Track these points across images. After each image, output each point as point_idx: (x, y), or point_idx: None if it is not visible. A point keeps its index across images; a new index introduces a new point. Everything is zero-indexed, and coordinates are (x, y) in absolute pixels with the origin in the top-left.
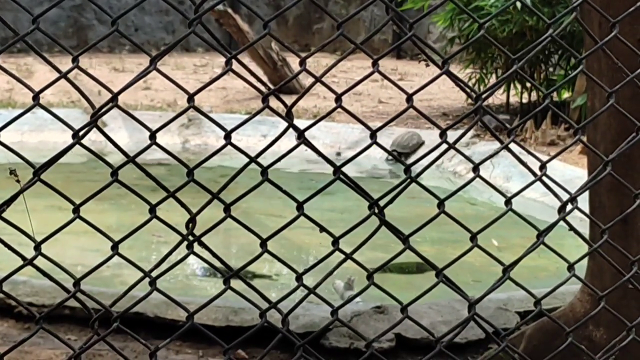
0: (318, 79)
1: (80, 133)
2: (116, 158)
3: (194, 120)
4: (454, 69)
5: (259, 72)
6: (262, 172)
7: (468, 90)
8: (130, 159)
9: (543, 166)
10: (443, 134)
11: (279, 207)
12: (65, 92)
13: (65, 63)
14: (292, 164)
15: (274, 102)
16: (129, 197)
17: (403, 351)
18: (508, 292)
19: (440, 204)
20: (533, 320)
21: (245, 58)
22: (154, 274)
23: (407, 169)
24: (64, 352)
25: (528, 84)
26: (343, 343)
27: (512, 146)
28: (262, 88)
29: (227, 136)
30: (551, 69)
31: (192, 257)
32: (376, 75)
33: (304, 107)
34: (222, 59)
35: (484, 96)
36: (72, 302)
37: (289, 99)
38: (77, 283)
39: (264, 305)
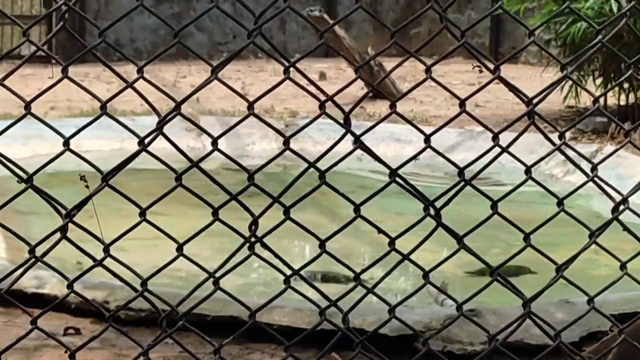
0: (374, 87)
1: (146, 140)
2: (212, 165)
3: (290, 125)
4: (551, 72)
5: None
6: (320, 176)
7: (521, 96)
8: (194, 164)
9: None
10: (495, 137)
11: (376, 212)
12: (164, 99)
13: (165, 70)
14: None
15: (371, 107)
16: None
17: (497, 354)
18: (603, 295)
19: (494, 205)
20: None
21: (343, 64)
22: (218, 274)
23: (461, 172)
24: (160, 355)
25: (626, 85)
26: (436, 346)
27: (613, 147)
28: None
29: (286, 142)
30: None
31: (293, 257)
32: (473, 79)
33: (400, 112)
34: (319, 64)
35: (535, 101)
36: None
37: (386, 105)
38: (144, 283)
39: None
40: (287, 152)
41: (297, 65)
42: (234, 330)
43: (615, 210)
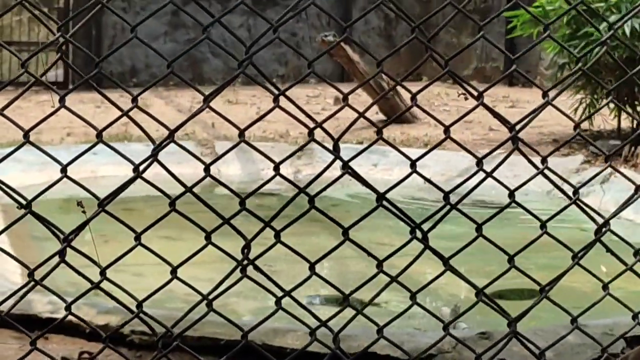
0: (361, 115)
1: (141, 167)
2: (225, 189)
3: (305, 150)
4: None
5: (370, 102)
6: (309, 201)
7: (504, 122)
8: (188, 189)
9: (638, 189)
10: (479, 162)
11: (389, 235)
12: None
13: (180, 96)
14: (406, 192)
15: (385, 131)
16: (248, 224)
17: None
18: (614, 317)
19: (479, 228)
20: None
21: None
22: (211, 296)
23: (446, 196)
24: None
25: None
26: None
27: (627, 171)
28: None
29: (276, 168)
30: None
31: (307, 287)
32: (487, 102)
33: (414, 136)
34: (334, 91)
35: (517, 127)
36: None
37: (400, 129)
38: (139, 305)
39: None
40: (302, 176)
41: (314, 89)
42: (247, 354)
43: (598, 232)
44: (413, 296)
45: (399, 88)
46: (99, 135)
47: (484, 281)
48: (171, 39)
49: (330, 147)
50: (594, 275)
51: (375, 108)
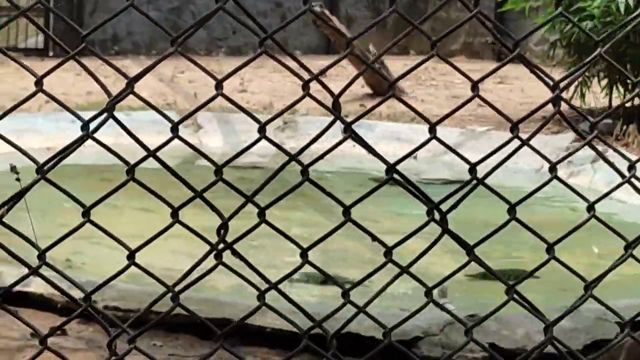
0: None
1: (92, 125)
2: (209, 160)
3: (289, 123)
4: (556, 71)
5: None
6: (302, 172)
7: (545, 79)
8: (151, 153)
9: (632, 167)
10: (514, 127)
11: (376, 211)
12: (161, 94)
13: (163, 65)
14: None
15: (371, 104)
16: (230, 198)
17: None
18: (609, 301)
19: (511, 210)
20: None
21: (344, 61)
22: (178, 288)
23: (472, 168)
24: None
25: (631, 87)
26: (435, 352)
27: (604, 148)
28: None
29: (261, 129)
30: None
31: (287, 263)
32: (476, 78)
33: (401, 111)
34: (321, 62)
35: (561, 85)
36: (159, 307)
37: (387, 103)
38: (87, 298)
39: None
40: (286, 148)
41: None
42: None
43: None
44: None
45: (385, 61)
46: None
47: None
48: (154, 7)
49: (319, 123)
50: (573, 272)
51: (361, 82)
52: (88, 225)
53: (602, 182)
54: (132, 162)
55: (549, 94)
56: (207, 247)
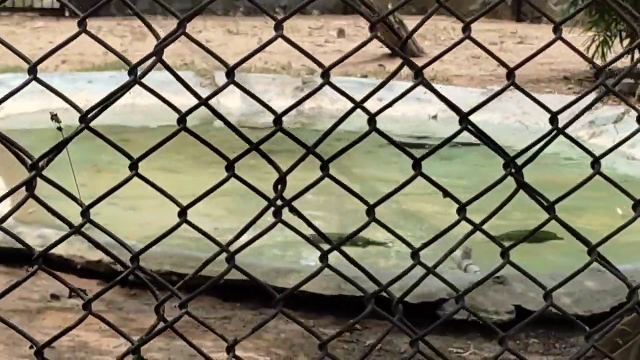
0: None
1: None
2: (228, 120)
3: (308, 83)
4: (576, 31)
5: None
6: (369, 120)
7: (590, 58)
8: (203, 102)
9: None
10: (510, 74)
11: (395, 172)
12: (178, 54)
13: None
14: (408, 127)
15: (391, 65)
16: (256, 158)
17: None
18: (635, 263)
19: (595, 162)
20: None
21: (362, 21)
22: (233, 247)
23: (554, 117)
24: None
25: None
26: (460, 314)
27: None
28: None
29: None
30: None
31: (303, 224)
32: (495, 38)
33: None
34: (338, 21)
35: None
36: (180, 269)
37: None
38: (135, 258)
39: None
40: (305, 109)
41: (317, 21)
42: (248, 294)
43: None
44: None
45: (404, 21)
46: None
47: (493, 221)
48: None
49: (337, 84)
50: (575, 235)
51: (378, 42)
52: (101, 186)
53: (625, 143)
54: (149, 120)
55: (567, 54)
56: (233, 209)
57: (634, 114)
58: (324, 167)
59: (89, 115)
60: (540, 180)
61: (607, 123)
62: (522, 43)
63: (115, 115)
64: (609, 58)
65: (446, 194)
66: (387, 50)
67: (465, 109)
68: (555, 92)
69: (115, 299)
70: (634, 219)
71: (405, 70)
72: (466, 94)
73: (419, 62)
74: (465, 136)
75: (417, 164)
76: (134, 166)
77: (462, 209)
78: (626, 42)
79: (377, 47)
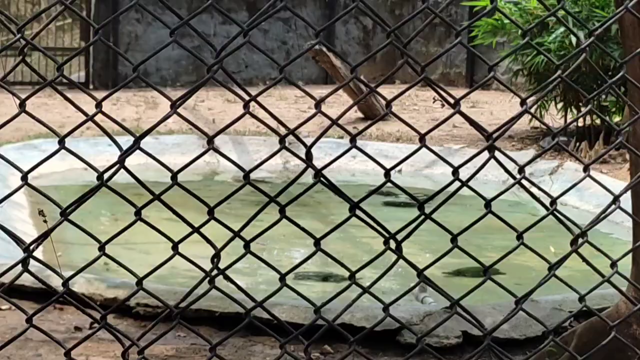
0: (334, 122)
1: (106, 175)
2: (224, 176)
3: (294, 143)
4: (514, 96)
5: (350, 102)
6: (315, 175)
7: (481, 131)
8: (174, 174)
9: (586, 168)
10: (489, 137)
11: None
12: (182, 122)
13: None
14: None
15: (361, 125)
16: (245, 208)
17: (469, 346)
18: (563, 294)
19: (488, 204)
20: (585, 319)
21: (340, 90)
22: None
23: (455, 171)
24: (174, 346)
25: (583, 109)
26: (415, 339)
27: (572, 164)
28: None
29: (282, 140)
30: (603, 96)
31: (292, 259)
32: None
33: (388, 132)
34: (320, 91)
35: (494, 135)
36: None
37: (375, 125)
38: (139, 282)
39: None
40: (291, 166)
41: (299, 91)
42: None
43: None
44: (420, 273)
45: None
46: (61, 141)
47: (454, 261)
48: (178, 46)
49: (318, 144)
50: (539, 255)
51: (354, 107)
52: (123, 234)
53: (559, 192)
54: (160, 177)
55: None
56: (225, 250)
57: (566, 167)
58: (282, 211)
59: (105, 175)
60: (486, 223)
61: (544, 174)
62: (474, 107)
63: (127, 176)
64: (545, 119)
65: (377, 225)
66: (360, 115)
67: (424, 164)
68: (502, 148)
69: (128, 330)
70: (578, 247)
71: (375, 131)
72: (424, 151)
73: (386, 124)
74: (426, 185)
75: (353, 208)
76: (138, 213)
77: (387, 242)
78: (560, 105)
79: (352, 112)
